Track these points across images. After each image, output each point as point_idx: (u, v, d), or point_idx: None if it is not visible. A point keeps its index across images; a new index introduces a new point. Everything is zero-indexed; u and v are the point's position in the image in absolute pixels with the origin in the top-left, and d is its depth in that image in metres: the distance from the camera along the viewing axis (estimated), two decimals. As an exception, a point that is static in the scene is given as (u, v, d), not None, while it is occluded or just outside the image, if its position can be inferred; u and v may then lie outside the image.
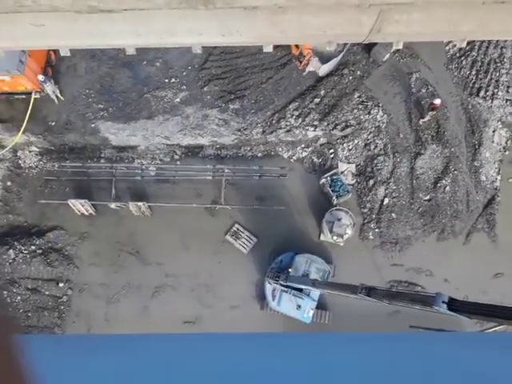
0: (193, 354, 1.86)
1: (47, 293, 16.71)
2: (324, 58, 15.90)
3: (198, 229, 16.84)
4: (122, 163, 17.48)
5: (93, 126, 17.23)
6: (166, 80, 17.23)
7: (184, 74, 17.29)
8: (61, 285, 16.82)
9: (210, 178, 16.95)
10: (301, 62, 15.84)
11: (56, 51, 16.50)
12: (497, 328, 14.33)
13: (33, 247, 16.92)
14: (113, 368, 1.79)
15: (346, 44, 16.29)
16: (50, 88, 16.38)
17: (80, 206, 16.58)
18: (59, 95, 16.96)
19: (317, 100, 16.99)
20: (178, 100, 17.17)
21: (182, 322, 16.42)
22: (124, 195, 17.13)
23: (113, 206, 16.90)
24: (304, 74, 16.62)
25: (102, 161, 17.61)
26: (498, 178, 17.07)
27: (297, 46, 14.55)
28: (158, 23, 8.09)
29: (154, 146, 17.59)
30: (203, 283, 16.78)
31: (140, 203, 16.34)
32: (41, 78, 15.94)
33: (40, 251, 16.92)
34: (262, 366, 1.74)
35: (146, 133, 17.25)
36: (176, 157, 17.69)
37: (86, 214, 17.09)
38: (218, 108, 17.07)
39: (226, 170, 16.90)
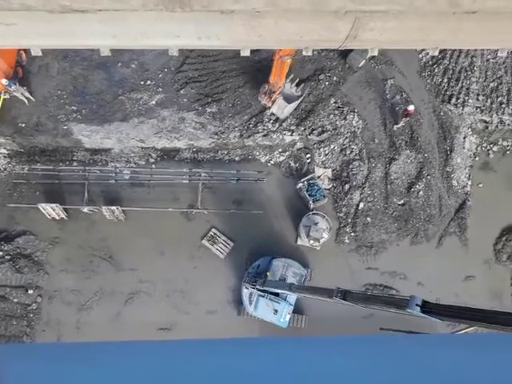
0: (168, 361, 1.79)
1: (16, 300, 16.09)
2: (287, 99, 16.13)
3: (173, 233, 16.60)
4: (96, 166, 17.07)
5: (65, 127, 16.76)
6: (142, 82, 16.98)
7: (160, 76, 17.08)
8: (30, 292, 16.23)
9: (187, 181, 16.76)
10: (270, 97, 15.81)
11: (27, 51, 16.00)
12: (468, 329, 14.67)
13: (0, 253, 16.27)
14: (84, 378, 1.70)
15: (305, 87, 16.64)
16: (16, 91, 15.84)
17: (51, 210, 16.08)
18: (30, 96, 16.43)
19: (294, 105, 17.11)
20: (153, 102, 16.93)
21: (156, 329, 16.11)
22: (97, 199, 16.72)
23: (85, 210, 16.46)
24: (268, 113, 16.65)
25: (75, 164, 17.15)
26: (469, 183, 17.58)
27: (276, 71, 14.58)
28: (133, 25, 7.93)
29: (128, 148, 17.26)
30: (179, 289, 16.53)
31: (114, 207, 15.98)
32: (4, 82, 15.31)
33: (8, 257, 16.29)
34: (239, 372, 1.68)
35: (120, 135, 16.91)
36: (151, 160, 17.42)
37: (57, 218, 16.58)
38: (195, 111, 16.93)
39: (202, 174, 16.75)
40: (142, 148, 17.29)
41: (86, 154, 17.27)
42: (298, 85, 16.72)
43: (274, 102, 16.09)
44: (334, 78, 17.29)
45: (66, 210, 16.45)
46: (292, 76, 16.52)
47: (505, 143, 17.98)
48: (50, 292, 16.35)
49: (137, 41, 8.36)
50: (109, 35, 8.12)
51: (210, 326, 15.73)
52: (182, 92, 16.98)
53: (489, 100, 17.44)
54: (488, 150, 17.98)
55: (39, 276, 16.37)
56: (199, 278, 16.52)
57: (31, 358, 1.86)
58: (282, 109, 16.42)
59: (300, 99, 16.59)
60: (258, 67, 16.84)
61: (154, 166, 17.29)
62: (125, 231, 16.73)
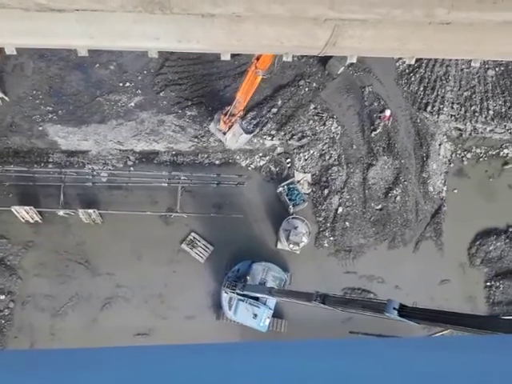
0: (146, 367, 1.75)
1: (-14, 306, 15.56)
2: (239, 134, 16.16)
3: (152, 237, 16.38)
4: (72, 168, 16.73)
5: (40, 128, 16.38)
6: (120, 84, 16.76)
7: (139, 78, 16.91)
8: (2, 297, 15.74)
9: (166, 185, 16.59)
10: (230, 120, 15.62)
11: (1, 49, 15.57)
12: (443, 332, 15.00)
13: (-30, 257, 15.73)
14: (58, 386, 1.64)
15: (257, 125, 16.69)
16: None
17: (25, 212, 15.64)
18: (4, 96, 16.00)
19: (274, 110, 17.20)
20: (132, 104, 16.74)
21: (134, 335, 15.83)
22: (73, 202, 16.36)
23: (61, 213, 16.09)
24: (217, 145, 16.63)
25: (50, 165, 16.76)
26: (444, 188, 18.01)
27: (246, 87, 14.53)
28: (111, 26, 7.83)
29: (106, 151, 16.98)
30: (157, 293, 16.30)
31: (90, 210, 15.66)
32: None
33: (-22, 262, 15.75)
34: (218, 377, 1.66)
35: (98, 137, 16.63)
36: (129, 163, 17.18)
37: (31, 221, 16.13)
38: (175, 114, 16.82)
39: (182, 177, 16.62)
40: (120, 150, 17.04)
41: (61, 156, 16.90)
42: (249, 122, 16.71)
43: (230, 127, 15.86)
44: (314, 84, 17.48)
45: (40, 212, 16.03)
46: (243, 113, 16.20)
47: (478, 150, 18.53)
48: (22, 297, 15.89)
49: (115, 42, 8.25)
50: (86, 35, 7.99)
51: (188, 331, 15.57)
52: (161, 94, 16.85)
53: (463, 108, 17.95)
54: (462, 156, 18.49)
55: (12, 281, 15.89)
56: (178, 282, 16.34)
57: (2, 365, 1.80)
58: (236, 136, 16.23)
59: (252, 134, 16.56)
60: (238, 71, 16.88)
61: (132, 168, 17.06)
62: (102, 235, 16.42)
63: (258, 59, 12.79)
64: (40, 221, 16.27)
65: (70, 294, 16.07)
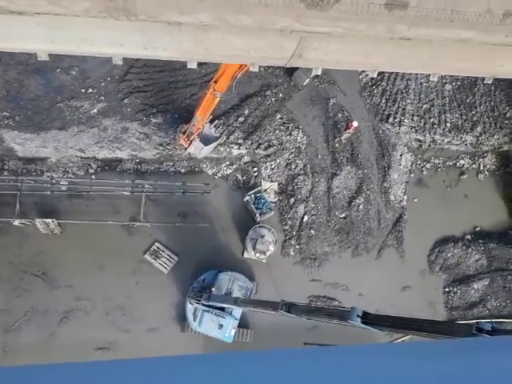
0: (106, 383, 1.66)
1: None
2: (205, 140, 16.17)
3: (114, 248, 15.90)
4: (29, 176, 16.02)
5: (-5, 134, 15.62)
6: (83, 90, 16.30)
7: (103, 84, 16.51)
8: (-51, 314, 14.73)
9: (129, 193, 16.19)
10: (188, 138, 15.65)
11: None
12: (404, 338, 15.39)
13: None
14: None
15: (224, 129, 16.84)
16: None
17: (-24, 223, 14.81)
18: (-45, 99, 15.18)
19: (241, 119, 17.25)
20: (95, 111, 16.30)
21: (94, 349, 15.22)
22: (30, 211, 15.65)
23: (16, 222, 15.33)
24: (183, 154, 16.64)
25: (6, 173, 15.99)
26: (405, 198, 18.62)
27: (204, 106, 14.58)
28: (74, 30, 7.60)
29: (66, 158, 16.40)
30: (119, 306, 15.80)
31: (48, 220, 15.02)
32: None
33: None
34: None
35: (57, 144, 16.04)
36: (91, 170, 16.67)
37: (-17, 232, 15.28)
38: (139, 121, 16.51)
39: (146, 186, 16.28)
40: (81, 158, 16.51)
41: (18, 163, 16.17)
42: (216, 126, 16.81)
43: (190, 143, 15.88)
44: (280, 95, 17.70)
45: (-6, 223, 15.24)
46: (211, 117, 16.42)
47: (437, 161, 19.33)
48: (-28, 313, 14.95)
49: (78, 47, 8.01)
50: (47, 39, 7.72)
51: (152, 344, 15.15)
52: (125, 101, 16.52)
53: (422, 120, 18.71)
54: (422, 167, 19.22)
55: (-40, 296, 14.94)
56: (141, 294, 15.91)
57: None
58: (198, 149, 16.26)
59: (218, 140, 16.62)
60: (205, 80, 16.83)
61: (93, 176, 16.56)
62: (61, 245, 15.77)
63: (216, 82, 12.86)
64: (-7, 231, 15.45)
65: (25, 308, 15.29)
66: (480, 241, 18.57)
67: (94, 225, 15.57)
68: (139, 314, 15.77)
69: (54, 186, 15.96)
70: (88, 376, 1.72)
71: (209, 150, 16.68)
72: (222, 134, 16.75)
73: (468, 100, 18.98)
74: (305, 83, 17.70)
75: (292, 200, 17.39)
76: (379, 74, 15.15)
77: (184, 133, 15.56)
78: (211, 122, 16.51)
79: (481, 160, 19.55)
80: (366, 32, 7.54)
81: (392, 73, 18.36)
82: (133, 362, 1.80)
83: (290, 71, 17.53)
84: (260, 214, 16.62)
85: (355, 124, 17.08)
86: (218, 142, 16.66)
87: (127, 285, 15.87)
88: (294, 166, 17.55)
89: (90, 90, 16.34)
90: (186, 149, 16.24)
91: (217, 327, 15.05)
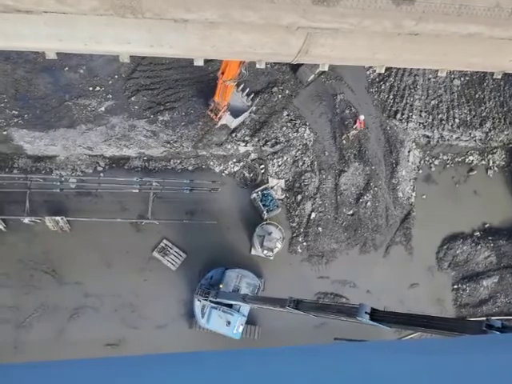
0: (116, 379, 1.68)
1: None
2: (234, 113, 16.55)
3: (122, 245, 16.01)
4: (39, 174, 16.16)
5: (5, 133, 15.78)
6: (90, 88, 16.39)
7: (110, 82, 16.59)
8: (-39, 310, 14.96)
9: (137, 191, 16.27)
10: (216, 115, 16.18)
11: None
12: (413, 335, 15.31)
13: None
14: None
15: (254, 99, 17.01)
16: None
17: (-13, 220, 14.99)
18: (-35, 98, 15.35)
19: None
20: (102, 109, 16.38)
21: (103, 345, 15.36)
22: (40, 209, 15.79)
23: (26, 220, 15.49)
24: (216, 126, 16.87)
25: (15, 171, 16.15)
26: (413, 194, 18.49)
27: (220, 92, 14.95)
28: (82, 29, 7.65)
29: (75, 156, 16.53)
30: (128, 303, 15.91)
31: (58, 218, 15.16)
32: None
33: None
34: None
35: (66, 142, 16.16)
36: (99, 168, 16.78)
37: (-7, 229, 15.48)
38: (146, 119, 16.57)
39: (153, 183, 16.35)
40: (89, 156, 16.62)
41: (27, 162, 16.32)
42: (248, 95, 16.92)
43: (220, 118, 16.29)
44: (287, 92, 17.64)
45: (4, 220, 15.39)
46: (243, 86, 16.67)
47: (445, 157, 19.16)
48: (-16, 309, 15.16)
49: (85, 45, 8.05)
50: (55, 38, 7.77)
51: (160, 341, 15.26)
52: (132, 99, 16.58)
53: (430, 116, 18.54)
54: (430, 163, 19.06)
55: (-28, 292, 15.14)
56: (149, 291, 16.00)
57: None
58: (229, 122, 16.67)
59: (250, 110, 16.78)
60: (211, 77, 16.83)
61: (102, 174, 16.66)
62: (70, 243, 15.91)
63: (223, 73, 13.02)
64: (4, 229, 15.61)
65: (35, 305, 15.46)
66: (489, 237, 18.40)
67: (102, 222, 15.68)
68: (148, 311, 15.88)
69: (63, 184, 16.09)
70: (97, 372, 1.74)
71: (241, 120, 16.95)
72: (253, 102, 16.89)
73: (477, 95, 18.78)
74: (310, 79, 17.63)
75: (299, 197, 17.36)
76: (387, 69, 15.04)
77: (211, 111, 16.00)
78: (243, 90, 16.64)
79: (490, 156, 19.33)
80: (373, 28, 7.49)
81: (399, 68, 18.20)
82: (142, 359, 1.81)
83: (296, 68, 17.47)
84: (267, 211, 16.61)
85: (362, 118, 16.98)
86: (249, 111, 16.84)
87: (136, 282, 15.98)
88: (301, 163, 17.51)
89: (98, 88, 16.43)
90: (216, 123, 16.61)
91: (225, 324, 15.10)
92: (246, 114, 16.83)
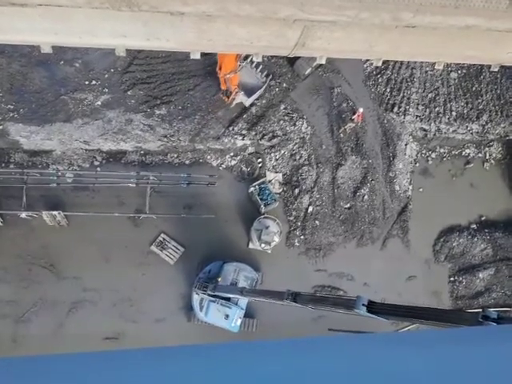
0: (115, 372, 1.69)
1: None
2: (248, 90, 16.57)
3: (120, 239, 16.02)
4: (35, 169, 16.11)
5: (0, 127, 15.69)
6: (86, 82, 16.29)
7: (106, 76, 16.48)
8: (-41, 305, 14.97)
9: (134, 185, 16.25)
10: (228, 97, 16.27)
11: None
12: (410, 327, 15.44)
13: None
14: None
15: (268, 76, 16.91)
16: None
17: (-16, 215, 14.96)
18: (-40, 92, 15.24)
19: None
20: (99, 103, 16.30)
21: (102, 339, 15.42)
22: (37, 204, 15.76)
23: (23, 215, 15.46)
24: (231, 106, 16.89)
25: (11, 166, 16.09)
26: (410, 187, 18.54)
27: (225, 82, 15.04)
28: (77, 22, 7.59)
29: (71, 150, 16.47)
30: (126, 297, 15.96)
31: (55, 212, 15.14)
32: None
33: None
34: (189, 380, 1.63)
35: (62, 137, 16.09)
36: (96, 163, 16.73)
37: (-10, 224, 15.44)
38: (143, 113, 16.51)
39: (151, 177, 16.32)
40: (86, 150, 16.57)
41: (24, 156, 16.26)
42: (262, 70, 16.90)
43: (233, 100, 16.37)
44: (284, 85, 17.58)
45: (1, 215, 15.39)
46: (256, 62, 16.53)
47: (442, 150, 19.19)
48: (-18, 304, 15.18)
49: (81, 39, 8.00)
50: (50, 32, 7.72)
51: (159, 334, 15.33)
52: (129, 93, 16.50)
53: (427, 109, 18.53)
54: (427, 156, 19.09)
55: (-30, 287, 15.15)
56: (148, 285, 16.05)
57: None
58: (244, 101, 16.75)
59: (264, 86, 16.79)
60: (208, 70, 16.76)
61: (99, 168, 16.62)
62: (67, 238, 15.90)
63: (220, 69, 13.08)
64: (1, 224, 15.59)
65: (33, 300, 15.49)
66: (486, 230, 18.51)
67: (100, 217, 15.67)
68: (146, 305, 15.94)
69: (60, 179, 16.05)
70: (97, 366, 1.75)
71: (256, 97, 16.99)
72: (268, 78, 16.89)
73: (474, 88, 18.77)
74: (307, 72, 17.56)
75: (297, 191, 17.38)
76: (384, 62, 14.99)
77: (223, 94, 16.19)
78: (257, 66, 16.65)
79: (487, 149, 19.38)
80: (371, 20, 7.47)
81: (397, 61, 18.15)
82: (140, 352, 1.83)
83: (293, 61, 17.40)
84: (265, 205, 16.64)
85: (361, 110, 16.95)
86: (264, 88, 16.84)
87: (134, 276, 16.01)
88: (298, 157, 17.51)
89: (94, 82, 16.33)
90: (230, 104, 16.69)
91: (223, 317, 15.18)
92: (261, 91, 16.81)
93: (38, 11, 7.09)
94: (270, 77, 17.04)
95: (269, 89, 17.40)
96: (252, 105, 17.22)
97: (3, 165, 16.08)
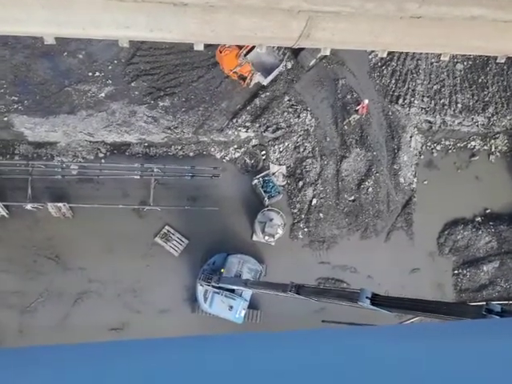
0: (120, 362, 1.71)
1: (-50, 305, 14.95)
2: (266, 69, 16.50)
3: (124, 231, 16.10)
4: (40, 161, 16.17)
5: (5, 119, 15.73)
6: (90, 73, 16.26)
7: (110, 68, 16.44)
8: (-34, 295, 15.15)
9: (138, 177, 16.28)
10: (244, 80, 16.29)
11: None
12: (413, 320, 15.47)
13: None
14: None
15: (285, 53, 16.76)
16: None
17: (-11, 207, 15.06)
18: (-36, 84, 15.25)
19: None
20: (102, 95, 16.28)
21: (107, 329, 15.59)
22: (42, 195, 15.85)
23: (29, 206, 15.56)
24: (250, 87, 16.89)
25: (17, 158, 16.16)
26: (415, 180, 18.45)
27: (235, 72, 15.07)
28: (80, 13, 7.57)
29: (76, 142, 16.50)
30: (130, 288, 16.08)
31: (60, 204, 15.22)
32: None
33: None
34: (193, 370, 1.64)
35: (67, 128, 16.12)
36: (100, 155, 16.76)
37: (-4, 216, 15.56)
38: (147, 105, 16.48)
39: (155, 169, 16.34)
40: (90, 142, 16.60)
41: (28, 148, 16.31)
42: (279, 49, 16.85)
43: (249, 83, 16.41)
44: (288, 76, 17.47)
45: (7, 207, 15.47)
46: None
47: (447, 143, 19.05)
48: (-12, 295, 15.35)
49: (84, 30, 7.98)
50: (53, 23, 7.70)
51: (163, 325, 15.46)
52: (133, 85, 16.46)
53: (433, 101, 18.36)
54: (432, 148, 18.96)
55: (-23, 278, 15.31)
56: (152, 276, 16.15)
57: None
58: (262, 81, 16.74)
59: (282, 64, 16.75)
60: (212, 62, 16.67)
61: (103, 160, 16.66)
62: (72, 229, 16.01)
63: (223, 68, 13.08)
64: (6, 215, 15.69)
65: (39, 290, 15.64)
66: (490, 223, 18.42)
67: (104, 208, 15.74)
68: (150, 296, 16.06)
69: (65, 171, 16.10)
70: (102, 356, 1.77)
71: (274, 76, 16.93)
72: (285, 56, 16.85)
73: (480, 80, 18.56)
74: (311, 64, 17.42)
75: (300, 183, 17.35)
76: (389, 53, 14.85)
77: (239, 78, 16.26)
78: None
79: (492, 141, 19.22)
80: (375, 11, 7.39)
81: (402, 53, 17.96)
82: (145, 343, 1.84)
83: (297, 52, 17.26)
84: (268, 198, 16.63)
85: (366, 102, 16.80)
86: (281, 66, 16.80)
87: (138, 267, 16.11)
88: (302, 149, 17.45)
89: (97, 74, 16.30)
90: (248, 85, 16.72)
91: (227, 308, 15.27)
92: (279, 69, 16.74)
93: (41, 2, 7.07)
94: (287, 55, 16.87)
95: (272, 80, 17.29)
96: (256, 96, 17.13)
97: (8, 156, 16.15)
